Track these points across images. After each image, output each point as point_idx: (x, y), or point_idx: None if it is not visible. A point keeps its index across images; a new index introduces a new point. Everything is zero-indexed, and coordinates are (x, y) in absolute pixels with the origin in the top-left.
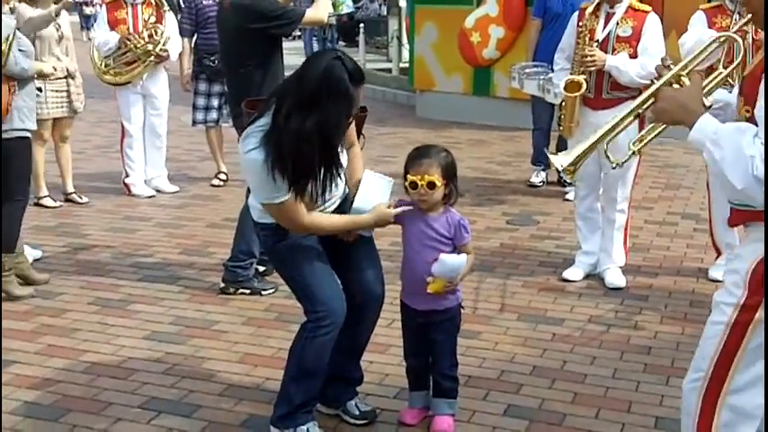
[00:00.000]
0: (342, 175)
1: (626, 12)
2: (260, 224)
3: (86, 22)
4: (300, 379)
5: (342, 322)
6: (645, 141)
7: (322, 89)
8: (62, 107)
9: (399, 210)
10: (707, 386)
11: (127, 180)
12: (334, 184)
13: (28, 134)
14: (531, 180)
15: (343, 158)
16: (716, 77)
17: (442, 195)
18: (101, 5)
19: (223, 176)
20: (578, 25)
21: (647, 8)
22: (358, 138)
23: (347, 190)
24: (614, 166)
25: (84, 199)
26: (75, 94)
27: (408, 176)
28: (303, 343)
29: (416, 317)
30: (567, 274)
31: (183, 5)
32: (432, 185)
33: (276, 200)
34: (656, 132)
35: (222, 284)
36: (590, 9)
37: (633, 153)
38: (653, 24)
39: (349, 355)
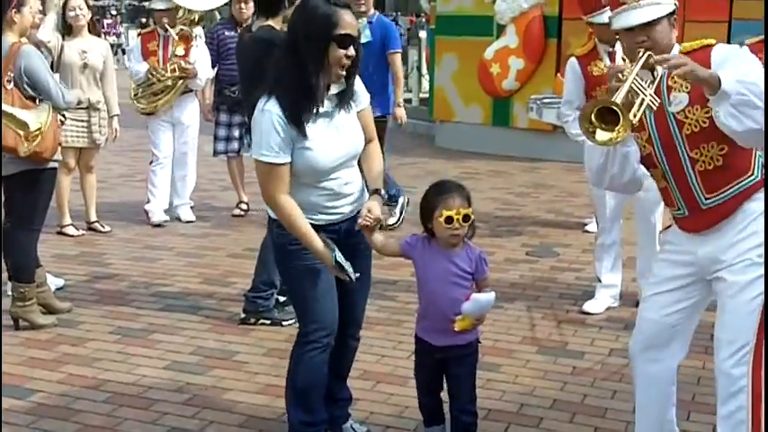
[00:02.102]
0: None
1: None
2: (276, 221)
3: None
4: (297, 400)
5: (332, 341)
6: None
7: (298, 23)
8: (82, 137)
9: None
10: (754, 356)
11: (146, 206)
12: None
13: (56, 165)
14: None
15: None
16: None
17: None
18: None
19: (244, 206)
20: (590, 73)
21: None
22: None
23: (363, 184)
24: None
25: (107, 228)
26: (97, 125)
27: (444, 212)
28: (297, 360)
29: (435, 353)
30: (588, 306)
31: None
32: (467, 218)
33: (275, 159)
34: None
35: (243, 315)
36: (583, 52)
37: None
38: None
39: (333, 376)
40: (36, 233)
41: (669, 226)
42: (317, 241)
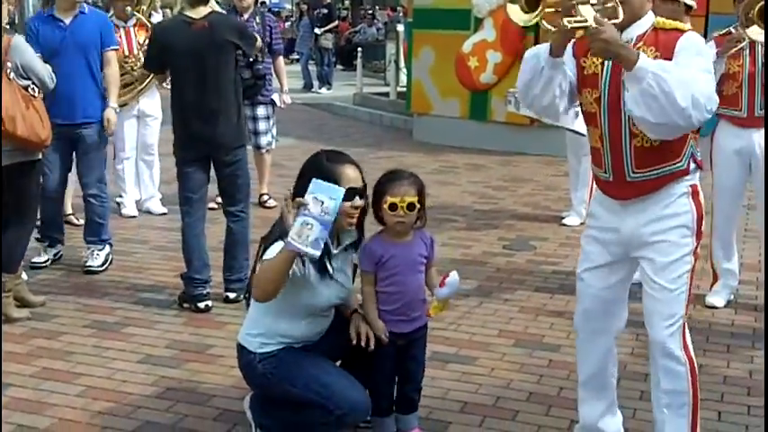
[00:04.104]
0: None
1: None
2: (261, 355)
3: None
4: None
5: (366, 414)
6: None
7: (298, 178)
8: None
9: None
10: (683, 334)
11: (118, 199)
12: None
13: (40, 156)
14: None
15: None
16: None
17: (415, 219)
18: None
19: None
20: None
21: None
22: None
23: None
24: None
25: (81, 221)
26: None
27: (389, 198)
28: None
29: (398, 340)
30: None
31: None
32: (412, 207)
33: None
34: None
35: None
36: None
37: None
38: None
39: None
40: (29, 226)
41: None
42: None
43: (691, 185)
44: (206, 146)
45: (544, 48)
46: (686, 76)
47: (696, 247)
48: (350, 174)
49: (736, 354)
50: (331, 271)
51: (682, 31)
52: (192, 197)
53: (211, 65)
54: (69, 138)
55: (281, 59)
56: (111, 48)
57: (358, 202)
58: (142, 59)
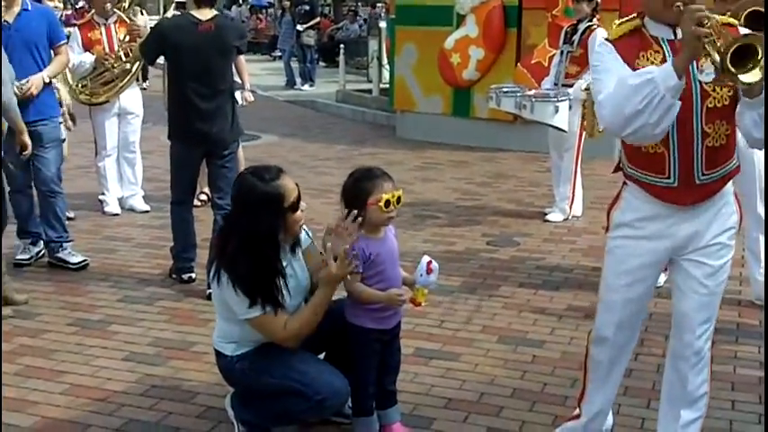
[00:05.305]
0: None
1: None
2: (237, 356)
3: None
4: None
5: (346, 398)
6: None
7: (238, 207)
8: None
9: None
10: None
11: (101, 197)
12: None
13: None
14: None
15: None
16: None
17: None
18: (73, 27)
19: (204, 197)
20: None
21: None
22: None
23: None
24: None
25: (72, 213)
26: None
27: (383, 196)
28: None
29: (383, 336)
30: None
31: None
32: (399, 200)
33: (251, 314)
34: None
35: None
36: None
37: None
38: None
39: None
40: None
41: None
42: (319, 297)
43: (732, 184)
44: (204, 142)
45: (663, 73)
46: None
47: None
48: (289, 186)
49: (721, 349)
50: (285, 294)
51: (734, 26)
52: (183, 191)
53: (214, 66)
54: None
55: (241, 57)
56: (61, 43)
57: (303, 204)
58: (123, 57)
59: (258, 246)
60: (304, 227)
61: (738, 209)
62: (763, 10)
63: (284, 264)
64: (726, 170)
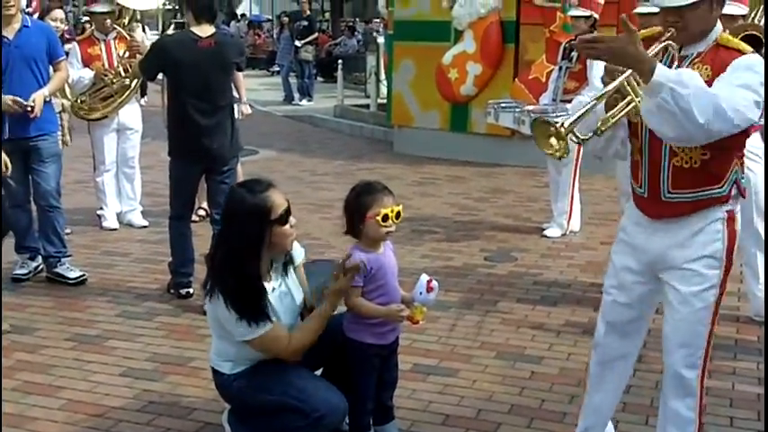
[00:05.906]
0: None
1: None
2: (234, 375)
3: None
4: None
5: (344, 416)
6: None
7: (227, 219)
8: None
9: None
10: (703, 363)
11: (99, 212)
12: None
13: None
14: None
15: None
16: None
17: None
18: (72, 42)
19: (202, 212)
20: None
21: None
22: None
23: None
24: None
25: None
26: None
27: (382, 210)
28: None
29: (382, 351)
30: None
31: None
32: (399, 215)
33: (249, 336)
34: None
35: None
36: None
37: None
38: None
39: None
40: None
41: None
42: (322, 311)
43: (727, 211)
44: (204, 158)
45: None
46: (715, 89)
47: (724, 280)
48: (277, 200)
49: (719, 365)
50: (272, 312)
51: (743, 53)
52: (182, 206)
53: (215, 82)
54: (25, 150)
55: (239, 72)
56: (60, 59)
57: (293, 220)
58: (122, 72)
59: (241, 257)
60: (296, 244)
61: (728, 238)
62: (757, 34)
63: (277, 282)
64: (698, 195)
